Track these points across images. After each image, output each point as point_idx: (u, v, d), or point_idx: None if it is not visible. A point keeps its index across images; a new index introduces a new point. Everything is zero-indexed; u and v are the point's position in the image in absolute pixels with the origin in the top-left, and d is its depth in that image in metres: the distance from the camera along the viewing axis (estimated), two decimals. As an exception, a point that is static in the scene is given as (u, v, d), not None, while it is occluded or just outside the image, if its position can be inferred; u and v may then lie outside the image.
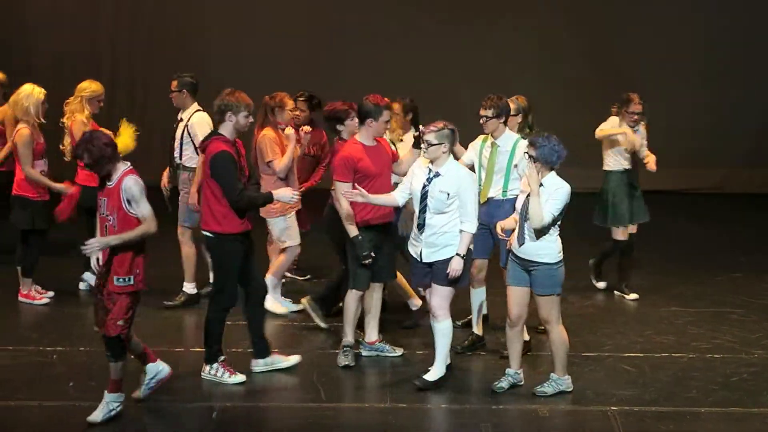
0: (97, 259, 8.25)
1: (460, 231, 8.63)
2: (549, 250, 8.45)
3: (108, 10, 16.58)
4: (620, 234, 11.03)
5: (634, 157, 10.94)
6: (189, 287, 10.71)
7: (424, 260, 8.76)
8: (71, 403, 8.46)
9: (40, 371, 9.03)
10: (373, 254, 9.11)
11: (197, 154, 10.05)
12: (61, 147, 10.73)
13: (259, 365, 9.13)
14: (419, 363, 9.39)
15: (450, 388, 8.97)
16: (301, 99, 10.91)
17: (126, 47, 16.60)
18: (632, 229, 11.08)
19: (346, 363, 9.30)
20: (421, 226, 8.69)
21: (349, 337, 9.37)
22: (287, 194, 8.89)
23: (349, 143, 9.26)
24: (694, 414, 8.50)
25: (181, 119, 10.62)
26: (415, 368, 9.27)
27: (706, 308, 10.84)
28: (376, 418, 8.48)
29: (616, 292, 11.27)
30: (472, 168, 9.37)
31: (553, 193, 8.40)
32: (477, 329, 9.70)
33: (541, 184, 8.38)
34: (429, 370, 8.83)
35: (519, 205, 8.53)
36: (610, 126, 10.90)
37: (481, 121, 9.40)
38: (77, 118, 10.65)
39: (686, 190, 16.58)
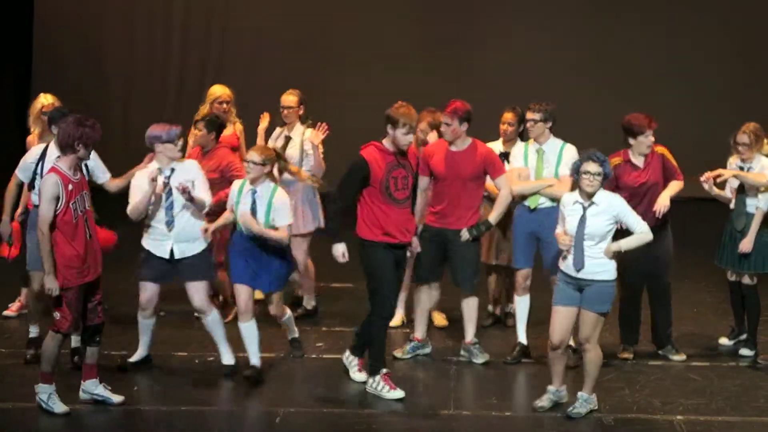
0: None
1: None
2: (609, 266, 8.33)
3: (177, 40, 16.86)
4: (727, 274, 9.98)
5: (744, 198, 9.64)
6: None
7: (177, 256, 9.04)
8: (135, 408, 8.61)
9: (110, 375, 9.10)
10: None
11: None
12: None
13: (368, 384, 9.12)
14: (485, 370, 9.48)
15: (514, 396, 9.04)
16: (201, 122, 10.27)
17: (195, 73, 16.81)
18: (746, 278, 9.71)
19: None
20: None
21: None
22: (338, 252, 8.90)
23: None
24: (762, 424, 8.44)
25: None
26: (480, 375, 9.39)
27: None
28: (440, 425, 8.49)
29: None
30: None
31: (620, 205, 8.34)
32: (523, 338, 9.69)
33: (592, 203, 8.30)
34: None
35: (570, 228, 8.38)
36: (730, 161, 9.77)
37: (528, 125, 9.46)
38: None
39: None
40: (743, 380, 9.31)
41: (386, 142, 8.80)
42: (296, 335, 9.67)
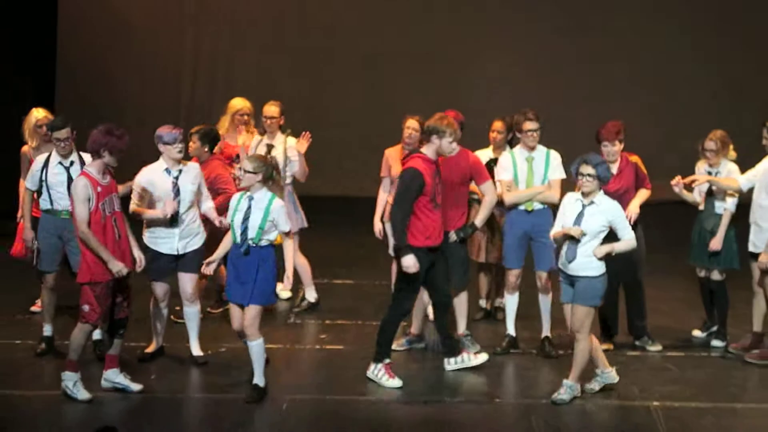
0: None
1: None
2: (595, 263, 8.74)
3: (189, 54, 17.17)
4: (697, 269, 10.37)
5: (713, 200, 10.05)
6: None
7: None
8: (153, 395, 8.99)
9: (131, 365, 9.45)
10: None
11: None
12: None
13: (451, 364, 9.57)
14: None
15: (504, 384, 9.42)
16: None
17: (204, 97, 17.08)
18: (714, 274, 10.13)
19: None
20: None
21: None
22: (410, 263, 9.07)
23: None
24: (731, 409, 8.86)
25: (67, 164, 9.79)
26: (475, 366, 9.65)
27: (745, 310, 10.50)
28: (434, 411, 8.83)
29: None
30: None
31: (616, 211, 8.78)
32: (512, 330, 10.10)
33: (592, 202, 8.76)
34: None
35: (568, 222, 8.80)
36: (698, 166, 10.17)
37: (534, 135, 9.81)
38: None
39: None
40: (715, 369, 9.67)
41: (428, 152, 9.18)
42: (260, 383, 8.96)
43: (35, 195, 9.87)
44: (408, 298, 9.38)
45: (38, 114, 10.26)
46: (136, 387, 9.02)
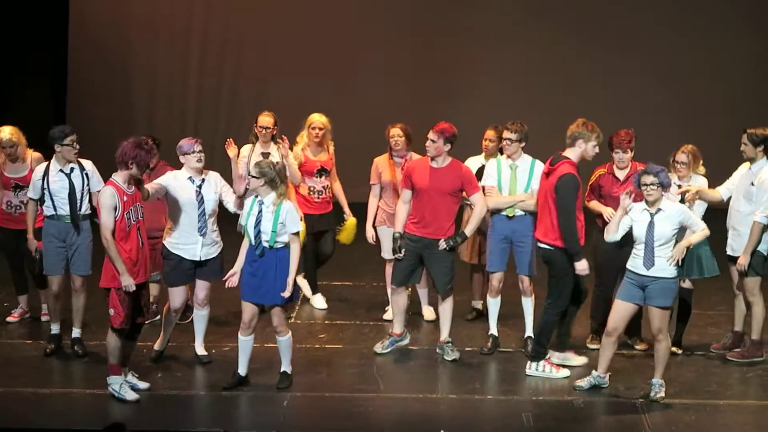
0: None
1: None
2: (671, 266, 9.03)
3: (194, 68, 17.35)
4: None
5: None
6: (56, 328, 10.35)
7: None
8: (159, 393, 9.26)
9: (138, 364, 9.67)
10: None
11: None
12: None
13: (531, 369, 9.76)
14: (467, 358, 10.08)
15: (494, 382, 9.69)
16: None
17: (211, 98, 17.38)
18: (686, 282, 10.14)
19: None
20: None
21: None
22: (585, 266, 9.44)
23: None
24: (713, 406, 9.14)
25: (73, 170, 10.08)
26: (464, 363, 9.98)
27: (726, 312, 10.95)
28: (430, 407, 9.11)
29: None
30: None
31: (684, 212, 9.06)
32: (494, 331, 10.35)
33: (659, 209, 9.00)
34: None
35: (638, 233, 9.02)
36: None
37: (505, 143, 10.07)
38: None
39: None
40: (698, 367, 9.93)
41: (573, 156, 9.44)
42: (288, 370, 9.48)
43: (40, 203, 10.11)
44: (568, 297, 9.59)
45: (3, 134, 10.43)
46: (143, 385, 9.29)
